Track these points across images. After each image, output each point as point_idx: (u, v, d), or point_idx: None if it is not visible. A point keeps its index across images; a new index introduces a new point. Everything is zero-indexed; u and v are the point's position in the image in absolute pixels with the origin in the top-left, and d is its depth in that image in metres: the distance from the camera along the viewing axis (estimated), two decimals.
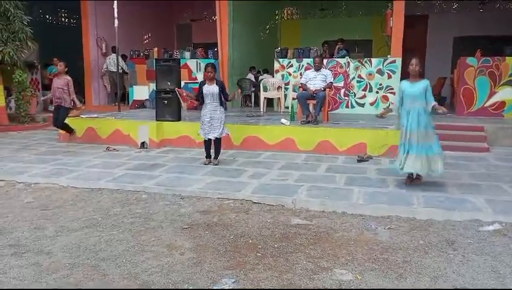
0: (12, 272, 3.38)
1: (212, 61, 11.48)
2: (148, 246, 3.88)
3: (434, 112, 5.36)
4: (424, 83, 5.27)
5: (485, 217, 4.43)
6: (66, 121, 8.42)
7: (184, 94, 7.73)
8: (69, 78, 7.90)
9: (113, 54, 11.94)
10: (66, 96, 7.86)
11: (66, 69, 7.97)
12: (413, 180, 5.55)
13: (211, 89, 6.61)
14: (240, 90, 7.26)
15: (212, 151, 6.93)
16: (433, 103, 5.28)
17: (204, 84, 6.68)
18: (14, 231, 4.27)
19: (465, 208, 4.65)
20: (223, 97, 6.75)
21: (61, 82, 7.84)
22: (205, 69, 6.72)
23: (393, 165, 5.70)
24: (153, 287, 3.15)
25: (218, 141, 6.84)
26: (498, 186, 5.49)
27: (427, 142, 5.25)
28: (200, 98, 6.77)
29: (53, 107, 8.43)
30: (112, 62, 12.43)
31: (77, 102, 8.38)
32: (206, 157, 6.91)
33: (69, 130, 8.34)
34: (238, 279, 3.25)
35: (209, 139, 6.78)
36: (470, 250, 3.74)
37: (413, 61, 5.31)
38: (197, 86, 11.31)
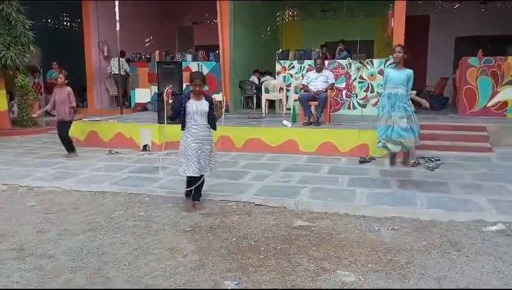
0: (16, 276, 3.38)
1: (214, 64, 11.48)
2: (150, 249, 3.88)
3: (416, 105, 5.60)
4: (408, 71, 5.39)
5: (488, 217, 4.41)
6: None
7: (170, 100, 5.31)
8: (69, 89, 7.77)
9: (117, 57, 11.97)
10: (68, 109, 7.74)
11: (67, 81, 7.86)
12: (402, 161, 5.73)
13: (199, 107, 4.81)
14: (223, 103, 5.53)
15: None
16: (412, 92, 5.46)
17: (189, 99, 4.85)
18: (17, 234, 4.28)
19: (468, 209, 4.64)
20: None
21: (63, 96, 7.70)
22: (191, 79, 4.84)
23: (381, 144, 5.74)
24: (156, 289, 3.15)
25: (204, 179, 5.06)
26: (501, 186, 5.46)
27: (406, 125, 5.31)
28: (176, 116, 4.93)
29: (56, 120, 8.25)
30: (116, 64, 12.44)
31: (74, 116, 8.13)
32: (188, 195, 5.02)
33: (71, 148, 7.99)
34: (240, 281, 3.24)
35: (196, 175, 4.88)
36: (473, 250, 3.72)
37: (397, 48, 5.46)
38: None
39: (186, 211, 4.87)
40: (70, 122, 7.86)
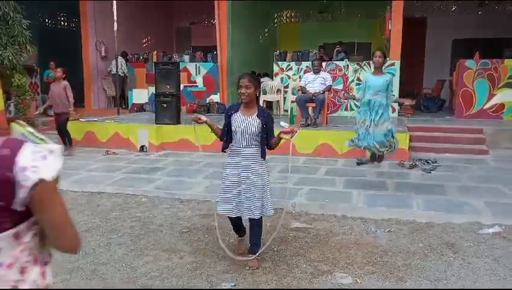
0: None
1: (211, 65, 11.44)
2: (147, 250, 3.87)
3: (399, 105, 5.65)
4: (388, 77, 5.42)
5: (484, 219, 4.43)
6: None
7: (201, 119, 3.64)
8: (66, 82, 7.85)
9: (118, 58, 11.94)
10: (65, 101, 7.80)
11: (64, 76, 7.92)
12: (376, 158, 5.73)
13: (248, 123, 3.50)
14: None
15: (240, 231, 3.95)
16: (393, 96, 5.65)
17: (237, 111, 3.57)
18: None
19: (465, 211, 4.65)
20: (267, 140, 3.58)
21: (59, 88, 7.79)
22: (239, 82, 3.49)
23: (353, 143, 5.74)
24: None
25: (257, 222, 3.59)
26: (497, 188, 5.48)
27: (383, 131, 5.34)
28: (224, 135, 3.64)
29: (53, 113, 8.36)
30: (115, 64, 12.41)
31: (71, 106, 8.05)
32: (238, 231, 3.90)
33: (69, 141, 8.02)
34: (237, 283, 3.24)
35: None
36: (469, 253, 3.73)
37: (377, 53, 5.49)
38: (197, 89, 11.58)
39: (251, 267, 3.49)
40: (67, 114, 7.89)
